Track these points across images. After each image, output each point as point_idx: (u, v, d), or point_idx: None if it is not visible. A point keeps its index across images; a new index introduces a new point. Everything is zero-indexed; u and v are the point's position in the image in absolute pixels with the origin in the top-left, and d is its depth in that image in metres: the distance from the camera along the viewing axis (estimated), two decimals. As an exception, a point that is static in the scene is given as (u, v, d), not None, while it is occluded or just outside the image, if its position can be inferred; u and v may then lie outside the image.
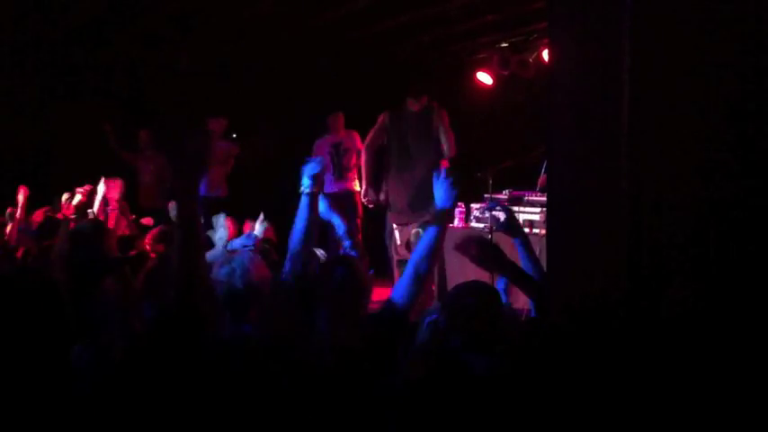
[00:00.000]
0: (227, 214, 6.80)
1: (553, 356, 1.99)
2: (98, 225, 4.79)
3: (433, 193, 3.65)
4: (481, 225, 7.33)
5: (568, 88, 2.04)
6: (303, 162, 3.60)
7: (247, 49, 8.31)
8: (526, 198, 7.14)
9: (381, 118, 6.56)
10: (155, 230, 6.13)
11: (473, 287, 2.56)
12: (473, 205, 7.53)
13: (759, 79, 1.67)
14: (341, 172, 7.73)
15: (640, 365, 1.74)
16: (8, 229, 5.31)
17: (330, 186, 7.67)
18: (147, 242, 5.94)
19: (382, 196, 6.91)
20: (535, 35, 7.90)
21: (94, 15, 7.32)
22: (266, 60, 8.55)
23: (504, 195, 7.35)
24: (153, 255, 5.43)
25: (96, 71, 8.45)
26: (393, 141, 6.48)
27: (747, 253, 1.62)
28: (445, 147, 6.48)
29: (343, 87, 8.76)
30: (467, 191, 7.52)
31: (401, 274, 6.34)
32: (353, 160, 7.72)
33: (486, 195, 7.31)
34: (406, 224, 6.30)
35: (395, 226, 6.41)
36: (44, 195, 6.32)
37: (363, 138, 7.46)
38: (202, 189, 8.72)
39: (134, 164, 8.58)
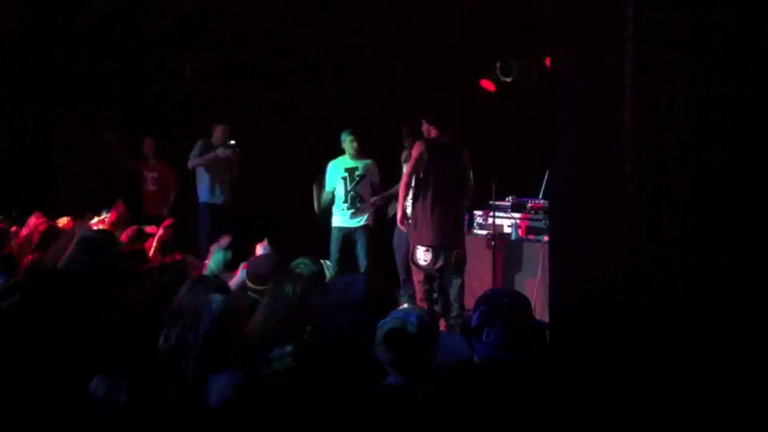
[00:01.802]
0: (232, 221, 6.82)
1: (559, 357, 2.00)
2: (107, 233, 4.79)
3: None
4: (484, 232, 7.35)
5: (570, 93, 2.05)
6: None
7: (251, 54, 8.33)
8: (529, 205, 7.14)
9: (419, 150, 6.52)
10: (150, 240, 6.13)
11: (508, 291, 2.69)
12: (476, 212, 7.54)
13: (759, 80, 1.68)
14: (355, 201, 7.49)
15: (643, 365, 1.74)
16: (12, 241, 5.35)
17: (348, 220, 7.45)
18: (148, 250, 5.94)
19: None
20: (537, 41, 7.91)
21: (98, 20, 7.35)
22: (269, 65, 8.57)
23: (507, 202, 7.36)
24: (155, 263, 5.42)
25: (98, 77, 8.46)
26: (431, 171, 6.42)
27: (749, 253, 1.63)
28: (470, 182, 6.59)
29: (346, 94, 8.79)
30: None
31: (424, 290, 6.36)
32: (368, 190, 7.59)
33: (489, 202, 7.33)
34: (432, 250, 6.41)
35: (421, 248, 6.43)
36: (44, 202, 6.33)
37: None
38: (205, 195, 8.68)
39: (138, 172, 8.58)
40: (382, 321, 2.70)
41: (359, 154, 7.38)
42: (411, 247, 6.48)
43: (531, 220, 7.09)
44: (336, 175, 7.38)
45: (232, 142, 7.72)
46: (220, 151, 7.66)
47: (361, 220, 7.37)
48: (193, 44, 8.16)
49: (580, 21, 2.09)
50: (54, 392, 2.27)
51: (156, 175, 8.45)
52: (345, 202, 7.33)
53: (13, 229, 5.57)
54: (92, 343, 2.52)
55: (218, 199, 7.80)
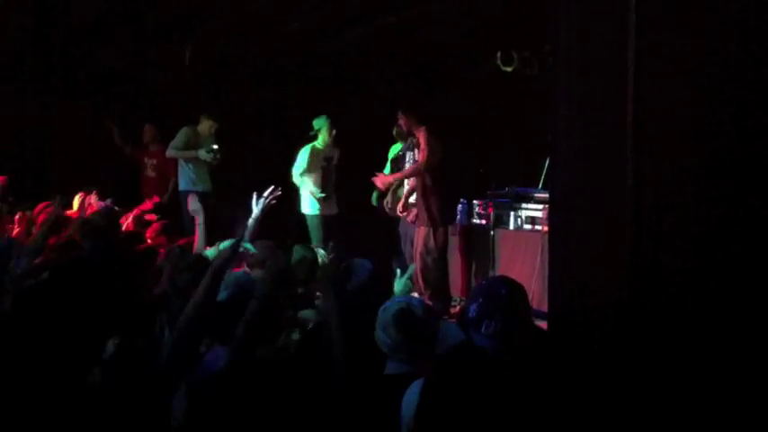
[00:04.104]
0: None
1: (556, 352, 2.01)
2: (111, 216, 4.81)
3: None
4: (483, 221, 7.35)
5: (572, 86, 2.05)
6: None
7: (250, 44, 8.31)
8: (529, 194, 7.13)
9: (436, 143, 6.78)
10: (156, 225, 6.15)
11: (504, 280, 2.69)
12: (476, 201, 7.54)
13: (760, 78, 1.67)
14: None
15: (640, 362, 1.75)
16: (15, 231, 5.36)
17: (329, 208, 7.59)
18: (149, 236, 5.95)
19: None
20: (538, 32, 7.87)
21: (97, 11, 7.33)
22: (268, 55, 8.55)
23: (506, 191, 7.36)
24: (161, 250, 5.43)
25: (98, 65, 8.44)
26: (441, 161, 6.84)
27: (749, 250, 1.63)
28: None
29: (343, 84, 8.76)
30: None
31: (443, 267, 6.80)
32: None
33: (488, 192, 7.32)
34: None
35: (441, 229, 6.87)
36: (44, 194, 6.33)
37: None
38: (186, 184, 8.70)
39: (137, 159, 8.58)
40: (384, 306, 2.69)
41: (333, 141, 7.44)
42: (432, 230, 6.74)
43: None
44: (316, 164, 7.40)
45: (215, 147, 7.69)
46: (201, 154, 7.64)
47: (335, 209, 7.49)
48: (193, 33, 8.13)
49: (582, 13, 2.08)
50: (72, 369, 2.30)
51: (155, 162, 8.46)
52: (325, 192, 7.38)
53: (19, 214, 5.58)
54: (108, 324, 2.55)
55: (199, 187, 7.79)
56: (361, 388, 2.50)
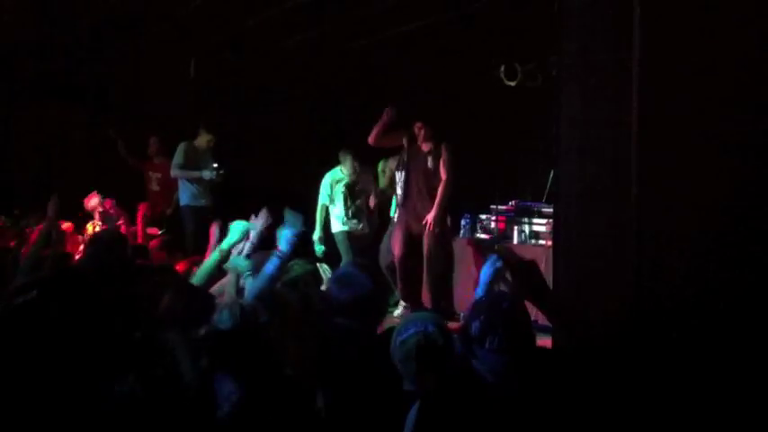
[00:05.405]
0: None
1: (561, 365, 1.99)
2: (117, 233, 4.81)
3: None
4: (486, 236, 7.33)
5: (576, 95, 2.04)
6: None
7: (249, 59, 8.35)
8: (533, 209, 7.11)
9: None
10: (157, 240, 6.15)
11: (506, 294, 2.65)
12: (480, 216, 7.52)
13: (762, 81, 1.67)
14: None
15: (645, 373, 1.73)
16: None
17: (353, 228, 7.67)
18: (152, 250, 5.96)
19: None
20: (542, 45, 7.89)
21: (96, 20, 7.36)
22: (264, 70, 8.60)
23: (509, 206, 7.33)
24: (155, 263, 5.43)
25: (101, 77, 8.48)
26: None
27: (750, 251, 1.62)
28: None
29: (346, 97, 8.78)
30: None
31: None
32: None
33: (492, 206, 7.30)
34: None
35: None
36: (43, 198, 6.35)
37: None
38: (187, 198, 8.75)
39: (142, 171, 8.58)
40: (399, 338, 2.64)
41: (356, 171, 7.55)
42: (442, 236, 6.74)
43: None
44: (337, 191, 7.51)
45: (215, 165, 7.73)
46: (206, 174, 7.72)
47: (364, 228, 7.52)
48: (196, 45, 8.17)
49: (587, 24, 2.08)
50: (67, 388, 2.25)
51: (160, 175, 8.45)
52: (347, 215, 7.46)
53: (28, 230, 5.60)
54: (105, 340, 2.51)
55: (200, 201, 7.80)
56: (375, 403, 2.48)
